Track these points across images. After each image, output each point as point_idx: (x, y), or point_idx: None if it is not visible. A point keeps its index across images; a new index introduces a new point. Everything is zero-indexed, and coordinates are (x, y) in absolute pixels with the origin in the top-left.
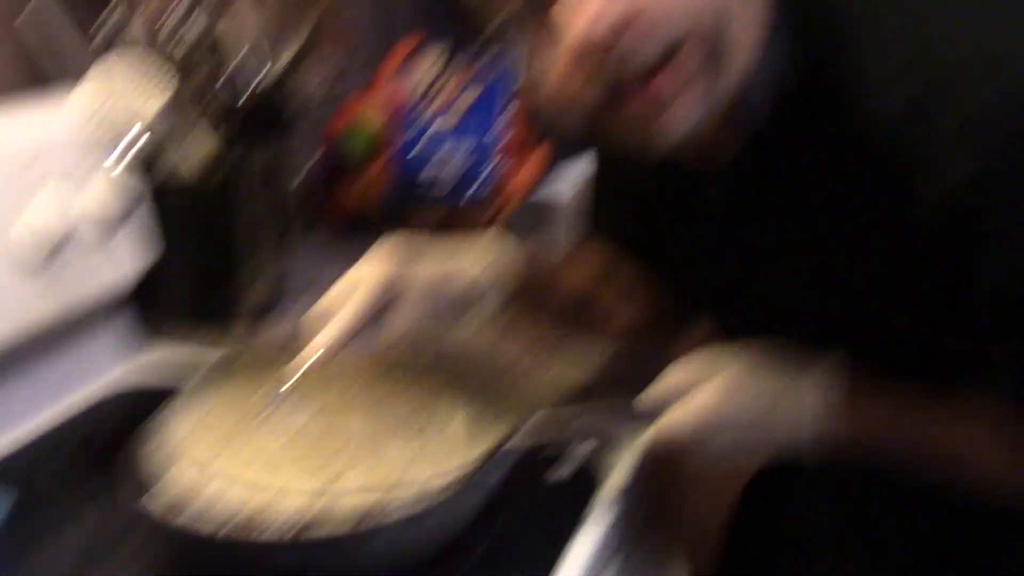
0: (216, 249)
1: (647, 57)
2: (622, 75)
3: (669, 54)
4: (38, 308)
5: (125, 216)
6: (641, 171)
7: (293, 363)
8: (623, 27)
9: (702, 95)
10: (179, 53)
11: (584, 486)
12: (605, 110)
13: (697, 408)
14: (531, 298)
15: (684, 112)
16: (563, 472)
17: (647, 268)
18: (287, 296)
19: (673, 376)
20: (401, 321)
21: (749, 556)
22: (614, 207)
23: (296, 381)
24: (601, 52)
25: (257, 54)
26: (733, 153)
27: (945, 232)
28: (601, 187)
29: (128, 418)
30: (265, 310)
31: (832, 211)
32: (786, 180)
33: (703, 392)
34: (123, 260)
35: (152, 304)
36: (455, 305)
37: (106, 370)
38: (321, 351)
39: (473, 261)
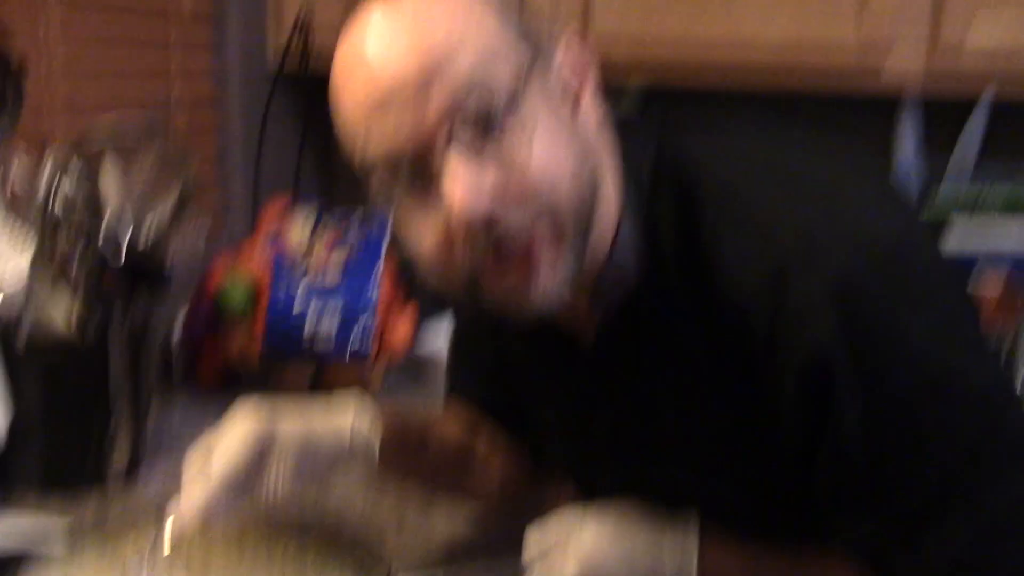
0: (77, 411)
1: (522, 226)
2: (499, 243)
3: (542, 223)
4: None
5: None
6: (502, 338)
7: (163, 527)
8: (500, 200)
9: (571, 264)
10: (43, 215)
11: None
12: (483, 276)
13: (572, 562)
14: (402, 455)
15: (555, 279)
16: None
17: (506, 430)
18: (155, 456)
19: (544, 532)
20: (271, 481)
21: None
22: (472, 371)
23: (166, 546)
24: (480, 223)
25: (126, 214)
26: (597, 326)
27: (794, 405)
28: (460, 351)
29: None
30: (128, 473)
31: (690, 382)
32: (647, 352)
33: (573, 547)
34: None
35: (5, 469)
36: (324, 464)
37: None
38: (191, 515)
39: (342, 419)
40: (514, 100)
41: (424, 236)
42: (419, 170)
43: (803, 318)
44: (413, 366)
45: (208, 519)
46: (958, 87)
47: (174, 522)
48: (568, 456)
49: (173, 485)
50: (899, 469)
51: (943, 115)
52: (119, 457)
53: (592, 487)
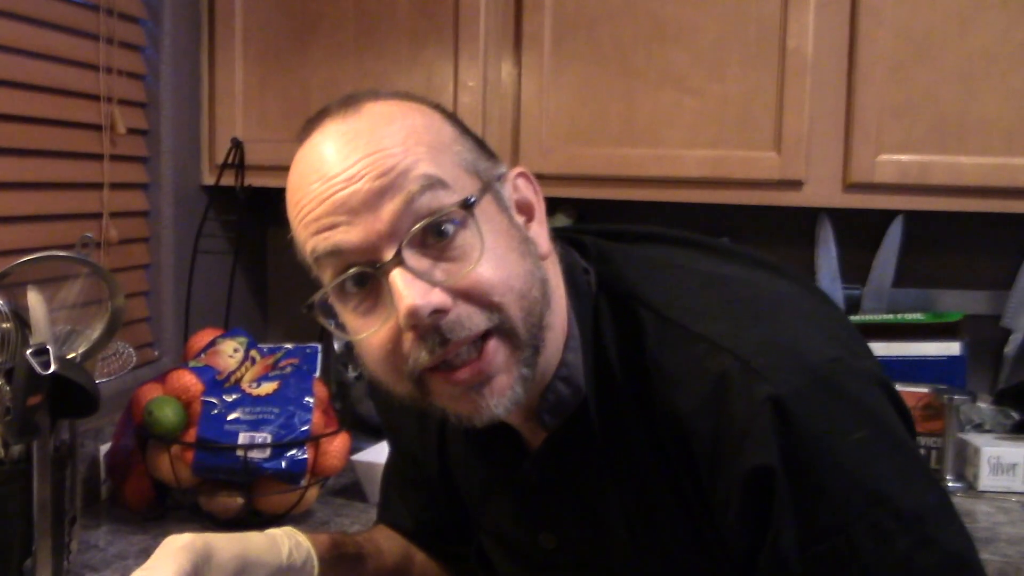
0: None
1: (473, 324)
2: (449, 345)
3: (493, 326)
4: None
5: None
6: (446, 444)
7: None
8: (451, 298)
9: (524, 374)
10: None
11: None
12: (430, 378)
13: None
14: (343, 569)
15: (506, 389)
16: None
17: (441, 553)
18: None
19: None
20: None
21: None
22: (408, 498)
23: None
24: (429, 317)
25: (52, 340)
26: (545, 437)
27: (736, 517)
28: (394, 478)
29: None
30: None
31: (636, 491)
32: (593, 463)
33: None
34: None
35: None
36: None
37: None
38: None
39: (278, 542)
40: (466, 210)
41: (371, 336)
42: (367, 271)
43: (743, 434)
44: (346, 488)
45: None
46: (872, 201)
47: None
48: (513, 567)
49: None
50: None
51: (861, 226)
52: None
53: None
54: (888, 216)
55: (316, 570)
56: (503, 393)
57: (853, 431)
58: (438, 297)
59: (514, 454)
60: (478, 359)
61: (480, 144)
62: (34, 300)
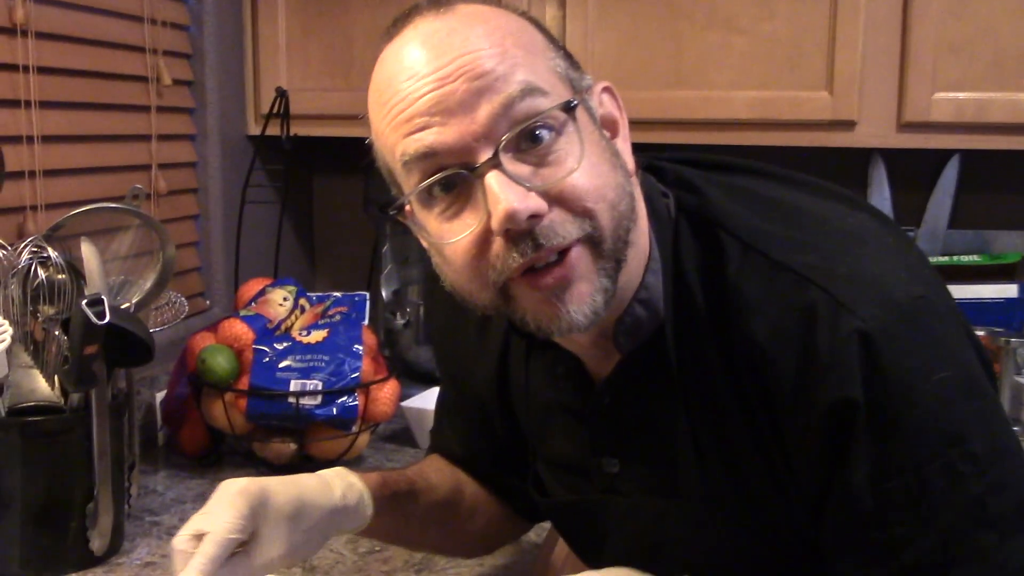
0: (56, 488)
1: (563, 231)
2: (538, 249)
3: (583, 234)
4: None
5: None
6: (513, 362)
7: None
8: (545, 203)
9: (605, 285)
10: (23, 294)
11: None
12: (515, 284)
13: None
14: (389, 516)
15: (588, 296)
16: None
17: (492, 483)
18: (136, 530)
19: None
20: (266, 549)
21: None
22: (460, 426)
23: None
24: (524, 221)
25: (106, 292)
26: (617, 361)
27: (810, 451)
28: (448, 406)
29: None
30: (109, 549)
31: (704, 422)
32: (663, 389)
33: None
34: None
35: None
36: (317, 527)
37: None
38: None
39: (331, 484)
40: (567, 114)
41: (458, 242)
42: (461, 173)
43: (828, 367)
44: (396, 434)
45: None
46: (927, 141)
47: None
48: (572, 494)
49: (162, 558)
50: (906, 522)
51: (916, 166)
52: (102, 530)
53: (586, 535)
54: (943, 156)
55: (370, 510)
56: (583, 300)
57: (936, 370)
58: (535, 202)
59: (580, 379)
60: (561, 264)
61: (568, 55)
62: (88, 252)
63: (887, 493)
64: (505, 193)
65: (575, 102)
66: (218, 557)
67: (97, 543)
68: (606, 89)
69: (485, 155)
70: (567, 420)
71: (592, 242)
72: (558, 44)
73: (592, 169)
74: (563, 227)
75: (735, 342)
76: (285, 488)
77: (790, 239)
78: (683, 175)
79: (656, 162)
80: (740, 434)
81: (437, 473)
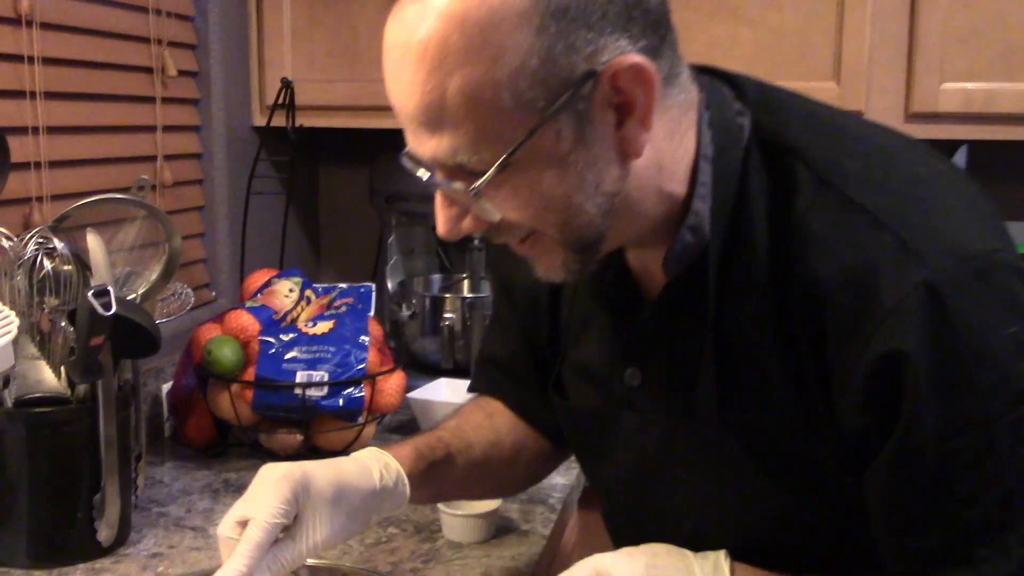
0: (63, 480)
1: (508, 240)
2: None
3: (527, 238)
4: None
5: None
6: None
7: None
8: (478, 229)
9: (567, 260)
10: (28, 286)
11: None
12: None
13: None
14: (430, 481)
15: (549, 268)
16: None
17: (531, 419)
18: (143, 522)
19: (582, 565)
20: (310, 534)
21: None
22: (500, 363)
23: None
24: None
25: (111, 284)
26: (664, 287)
27: (859, 401)
28: (489, 345)
29: None
30: (116, 541)
31: (747, 356)
32: (710, 316)
33: (619, 573)
34: None
35: None
36: (359, 506)
37: None
38: (238, 570)
39: (368, 463)
40: (512, 150)
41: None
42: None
43: (891, 316)
44: (402, 425)
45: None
46: (935, 131)
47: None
48: (590, 400)
49: (167, 551)
50: (970, 480)
51: None
52: (109, 522)
53: (595, 445)
54: (951, 147)
55: (408, 488)
56: (551, 269)
57: (1007, 325)
58: (467, 227)
59: (626, 290)
60: (520, 244)
61: (584, 22)
62: (93, 242)
63: (953, 451)
64: (440, 215)
65: (478, 188)
66: (263, 543)
67: (104, 534)
68: (631, 66)
69: (434, 174)
70: (604, 327)
71: (540, 242)
72: (568, 14)
73: (535, 202)
74: (503, 236)
75: (793, 277)
76: (325, 472)
77: (868, 178)
78: (766, 95)
79: (739, 78)
80: (777, 368)
81: (475, 430)
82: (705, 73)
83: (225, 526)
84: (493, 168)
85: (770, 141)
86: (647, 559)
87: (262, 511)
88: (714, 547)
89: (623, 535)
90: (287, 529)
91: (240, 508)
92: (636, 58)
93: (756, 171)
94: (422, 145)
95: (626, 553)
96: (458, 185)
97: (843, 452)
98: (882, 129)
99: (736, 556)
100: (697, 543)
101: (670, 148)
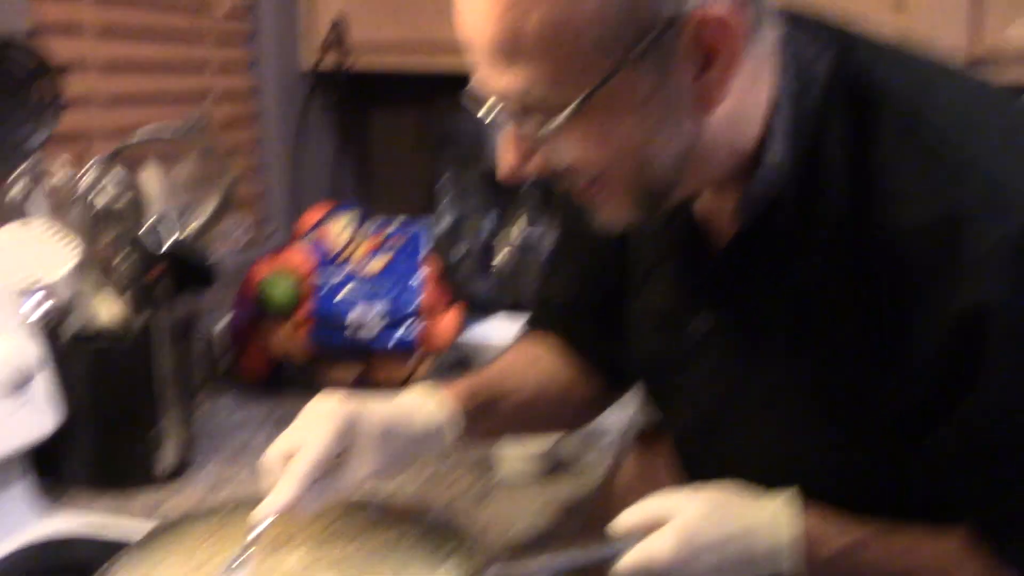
0: (124, 410)
1: (571, 187)
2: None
3: (590, 184)
4: None
5: (28, 378)
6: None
7: (255, 513)
8: (542, 171)
9: (629, 209)
10: (87, 218)
11: None
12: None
13: (676, 531)
14: (481, 419)
15: (612, 217)
16: None
17: (587, 356)
18: (202, 453)
19: (637, 512)
20: (356, 469)
21: None
22: (558, 296)
23: (262, 532)
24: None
25: (169, 213)
26: (735, 234)
27: (935, 357)
28: (551, 277)
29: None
30: (177, 470)
31: (819, 307)
32: (781, 265)
33: (681, 516)
34: (25, 422)
35: (55, 468)
36: (409, 443)
37: (3, 536)
38: (279, 508)
39: (418, 400)
40: (588, 93)
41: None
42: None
43: (975, 270)
44: (459, 360)
45: (296, 511)
46: (1004, 73)
47: (261, 514)
48: (656, 345)
49: (227, 480)
50: None
51: None
52: (169, 451)
53: (665, 390)
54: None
55: (456, 429)
56: (613, 217)
57: None
58: (532, 168)
59: (697, 235)
60: (583, 195)
61: None
62: (149, 177)
63: None
64: (504, 155)
65: (550, 129)
66: (309, 476)
67: (164, 464)
68: (717, 18)
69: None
70: (674, 271)
71: (605, 190)
72: None
73: (607, 149)
74: (566, 181)
75: (870, 227)
76: (374, 408)
77: (954, 126)
78: (849, 35)
79: (820, 17)
80: (851, 317)
81: (526, 369)
82: (785, 10)
83: (271, 457)
84: (568, 110)
85: (852, 84)
86: (713, 498)
87: (308, 444)
88: (782, 488)
89: (693, 474)
90: (333, 463)
91: (287, 440)
92: (722, 10)
93: (836, 115)
94: (494, 79)
95: (692, 492)
96: (528, 124)
97: (916, 407)
98: (969, 75)
99: (804, 497)
100: (765, 485)
101: (749, 95)
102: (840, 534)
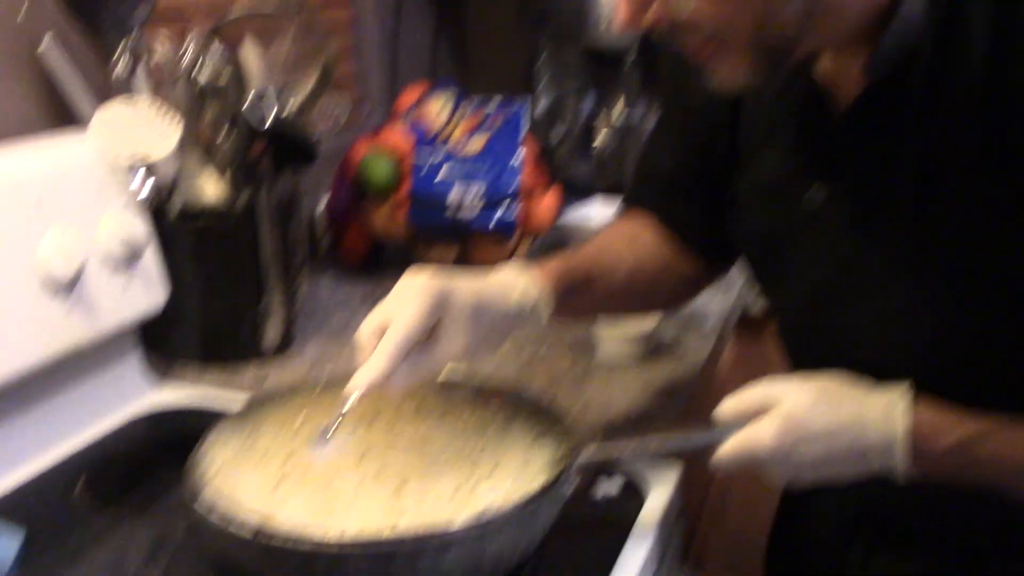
0: (229, 287)
1: (687, 46)
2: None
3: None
4: (47, 341)
5: (137, 254)
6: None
7: (341, 396)
8: (658, 25)
9: (746, 65)
10: (188, 96)
11: (631, 500)
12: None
13: (782, 419)
14: (574, 297)
15: (729, 77)
16: (611, 487)
17: (684, 235)
18: (304, 331)
19: (742, 397)
20: (447, 345)
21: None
22: (659, 175)
23: (354, 403)
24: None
25: (269, 90)
26: (861, 95)
27: None
28: (650, 155)
29: (148, 445)
30: (280, 346)
31: (946, 175)
32: (906, 129)
33: (788, 404)
34: (134, 297)
35: (163, 343)
36: (500, 319)
37: (115, 408)
38: (371, 382)
39: (511, 277)
40: None
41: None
42: None
43: None
44: (558, 240)
45: (388, 386)
46: None
47: (354, 385)
48: (769, 219)
49: (329, 357)
50: None
51: None
52: (273, 328)
53: (774, 266)
54: None
55: (547, 309)
56: (731, 77)
57: None
58: (650, 18)
59: (817, 98)
60: (697, 54)
61: None
62: (250, 54)
63: None
64: (623, 6)
65: None
66: (401, 350)
67: (269, 339)
68: None
69: None
70: (786, 141)
71: (723, 47)
72: None
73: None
74: (684, 37)
75: (1015, 85)
76: (467, 284)
77: None
78: None
79: None
80: (984, 183)
81: (621, 249)
82: None
83: (364, 331)
84: None
85: None
86: (821, 387)
87: (401, 318)
88: (895, 374)
89: (800, 359)
90: (426, 337)
91: (380, 314)
92: None
93: None
94: None
95: (800, 380)
96: None
97: None
98: None
99: (919, 388)
100: (877, 370)
101: None
102: (957, 426)
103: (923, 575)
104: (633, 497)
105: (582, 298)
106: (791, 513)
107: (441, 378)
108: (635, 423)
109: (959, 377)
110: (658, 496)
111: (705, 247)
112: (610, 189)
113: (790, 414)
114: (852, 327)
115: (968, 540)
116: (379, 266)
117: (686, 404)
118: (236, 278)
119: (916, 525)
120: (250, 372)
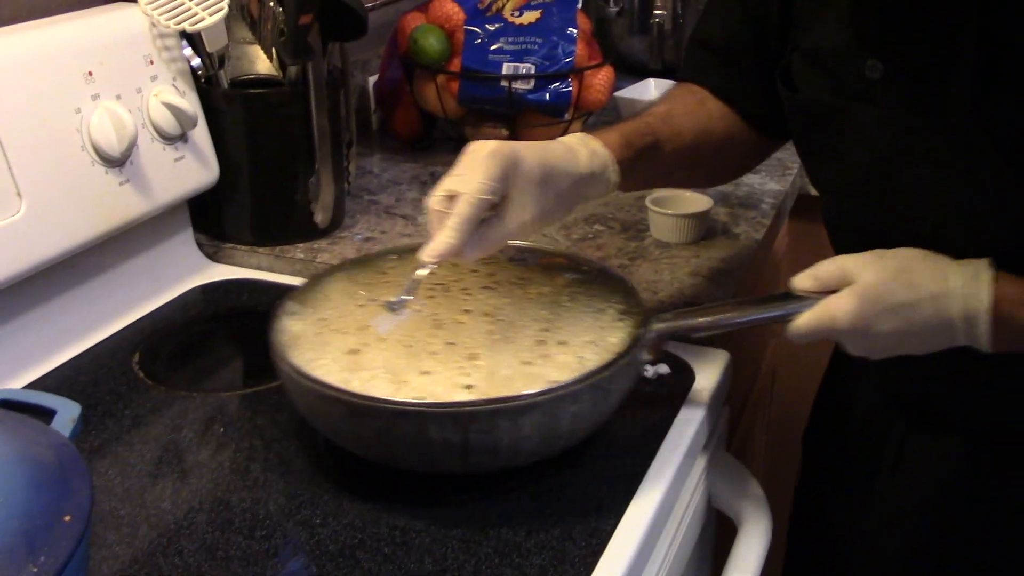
0: (279, 162)
1: None
2: None
3: None
4: (101, 216)
5: (188, 126)
6: None
7: (419, 255)
8: None
9: None
10: None
11: (681, 383)
12: None
13: (862, 290)
14: (637, 166)
15: None
16: (662, 367)
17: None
18: (353, 210)
19: (819, 270)
20: (518, 213)
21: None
22: (715, 49)
23: (424, 275)
24: None
25: None
26: None
27: None
28: (704, 30)
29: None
30: (331, 225)
31: (1001, 47)
32: (964, 9)
33: (866, 277)
34: (187, 172)
35: (214, 224)
36: (567, 187)
37: (169, 285)
38: (442, 252)
39: (575, 146)
40: None
41: None
42: None
43: None
44: (608, 123)
45: (458, 258)
46: None
47: (426, 256)
48: (822, 93)
49: (379, 235)
50: None
51: None
52: (323, 205)
53: (824, 142)
54: None
55: (615, 175)
56: None
57: None
58: None
59: None
60: None
61: None
62: None
63: None
64: None
65: None
66: (472, 217)
67: (320, 216)
68: None
69: None
70: (843, 10)
71: None
72: None
73: None
74: None
75: None
76: (533, 152)
77: None
78: None
79: None
80: None
81: (685, 115)
82: None
83: (435, 199)
84: None
85: None
86: (899, 262)
87: (472, 186)
88: (953, 257)
89: (847, 242)
90: (494, 208)
91: (450, 182)
92: None
93: None
94: None
95: (876, 255)
96: None
97: None
98: None
99: None
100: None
101: None
102: None
103: (959, 456)
104: (684, 380)
105: (649, 163)
106: (831, 396)
107: (510, 251)
108: (687, 303)
109: (1016, 260)
110: (706, 379)
111: (760, 120)
112: (667, 65)
113: (870, 286)
114: (904, 209)
115: (1006, 426)
116: (430, 143)
117: (737, 287)
118: (286, 152)
119: (954, 409)
120: (300, 250)
